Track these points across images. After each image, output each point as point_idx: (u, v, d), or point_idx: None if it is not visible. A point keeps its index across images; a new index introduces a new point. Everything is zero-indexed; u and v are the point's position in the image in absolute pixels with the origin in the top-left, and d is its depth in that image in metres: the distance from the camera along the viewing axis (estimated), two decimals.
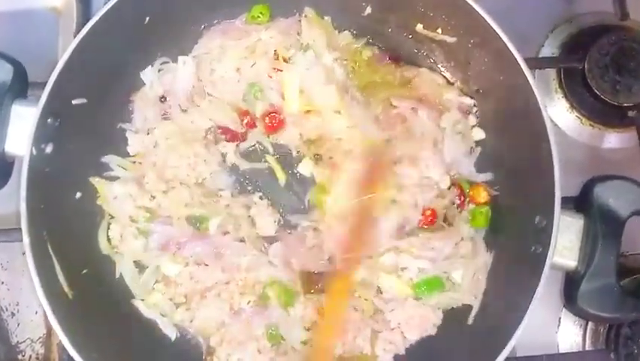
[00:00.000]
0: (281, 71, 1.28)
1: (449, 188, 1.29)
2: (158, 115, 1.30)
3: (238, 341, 1.23)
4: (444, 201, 1.28)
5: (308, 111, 1.28)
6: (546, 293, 1.31)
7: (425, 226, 1.27)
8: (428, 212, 1.26)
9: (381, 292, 1.25)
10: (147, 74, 1.31)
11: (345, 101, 1.26)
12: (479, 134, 1.32)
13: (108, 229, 1.26)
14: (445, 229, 1.26)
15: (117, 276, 1.24)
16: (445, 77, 1.36)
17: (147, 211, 1.25)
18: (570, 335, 1.39)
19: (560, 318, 1.40)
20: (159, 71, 1.32)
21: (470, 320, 1.22)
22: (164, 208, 1.26)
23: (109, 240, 1.26)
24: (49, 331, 1.37)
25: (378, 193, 1.20)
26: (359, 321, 1.22)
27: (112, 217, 1.26)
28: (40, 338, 1.38)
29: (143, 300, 1.25)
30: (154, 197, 1.25)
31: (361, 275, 1.22)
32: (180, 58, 1.32)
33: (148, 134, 1.29)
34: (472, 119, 1.33)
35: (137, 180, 1.26)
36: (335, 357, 1.19)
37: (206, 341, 1.26)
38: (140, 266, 1.26)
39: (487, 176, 1.30)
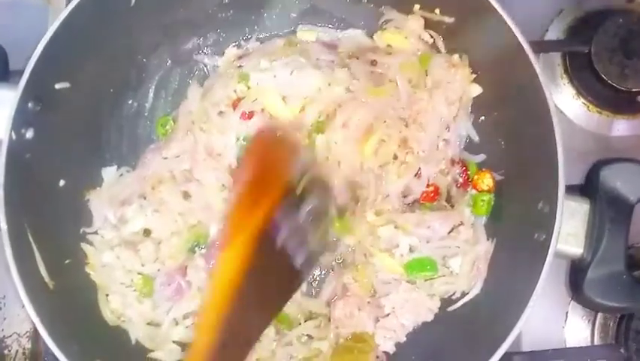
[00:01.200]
0: None
1: (453, 164, 1.25)
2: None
3: None
4: (447, 179, 1.25)
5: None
6: (552, 287, 1.30)
7: (426, 203, 1.25)
8: (431, 188, 1.24)
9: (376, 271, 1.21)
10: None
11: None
12: (476, 89, 1.27)
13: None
14: (446, 209, 1.23)
15: (133, 342, 1.20)
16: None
17: (139, 273, 1.21)
18: (578, 329, 1.34)
19: (567, 313, 1.35)
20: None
21: (470, 309, 1.18)
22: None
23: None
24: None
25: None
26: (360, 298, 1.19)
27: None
28: (27, 332, 1.35)
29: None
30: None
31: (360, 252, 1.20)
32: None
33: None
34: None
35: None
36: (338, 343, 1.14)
37: None
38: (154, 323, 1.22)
39: (481, 157, 1.27)
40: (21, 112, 1.08)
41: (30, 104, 1.10)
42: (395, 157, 1.22)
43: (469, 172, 1.25)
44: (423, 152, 1.22)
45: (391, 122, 1.21)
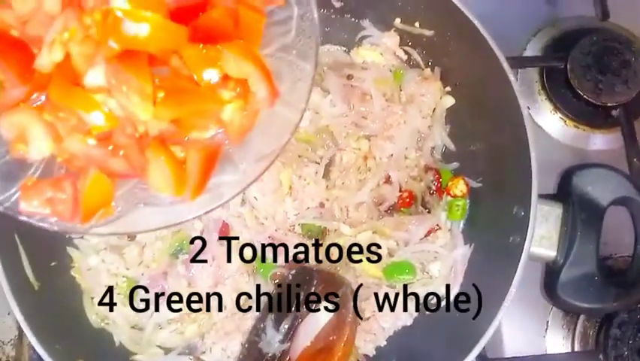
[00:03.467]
0: None
1: (426, 172, 1.29)
2: None
3: (225, 331, 1.21)
4: (421, 185, 1.29)
5: None
6: (533, 296, 1.33)
7: (403, 209, 1.27)
8: (405, 194, 1.27)
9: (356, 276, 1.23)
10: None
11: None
12: (449, 101, 1.32)
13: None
14: (423, 213, 1.26)
15: (117, 344, 1.21)
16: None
17: (124, 276, 1.22)
18: (558, 337, 1.36)
19: (547, 321, 1.37)
20: None
21: (447, 310, 1.20)
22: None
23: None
24: (21, 333, 1.34)
25: None
26: None
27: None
28: (11, 340, 1.35)
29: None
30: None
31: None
32: None
33: None
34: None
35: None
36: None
37: None
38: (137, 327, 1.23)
39: (454, 165, 1.31)
40: None
41: None
42: (358, 168, 1.27)
43: (441, 179, 1.29)
44: (386, 158, 1.27)
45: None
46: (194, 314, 1.22)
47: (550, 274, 1.13)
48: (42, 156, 0.78)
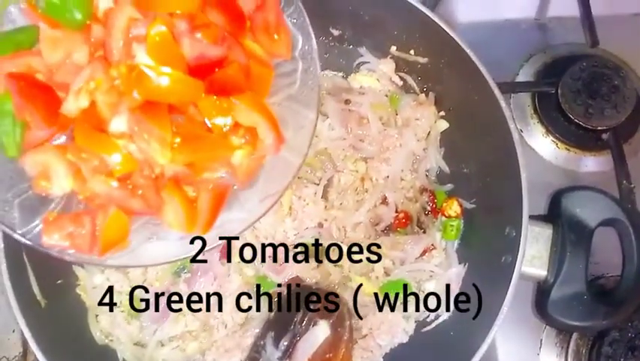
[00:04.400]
0: None
1: (421, 193, 1.33)
2: None
3: (226, 348, 1.24)
4: (416, 206, 1.33)
5: None
6: (526, 315, 1.35)
7: (399, 229, 1.31)
8: (401, 214, 1.31)
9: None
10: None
11: None
12: (443, 125, 1.37)
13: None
14: (419, 233, 1.30)
15: None
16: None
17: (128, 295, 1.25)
18: (552, 355, 1.38)
19: (541, 340, 1.39)
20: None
21: (442, 330, 1.23)
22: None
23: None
24: (25, 350, 1.37)
25: None
26: None
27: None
28: (15, 356, 1.38)
29: None
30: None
31: (339, 275, 1.25)
32: None
33: None
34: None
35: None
36: None
37: None
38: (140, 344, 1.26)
39: (448, 187, 1.35)
40: None
41: None
42: (355, 189, 1.31)
43: (436, 200, 1.34)
44: (383, 180, 1.31)
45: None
46: (195, 332, 1.25)
47: (541, 293, 1.16)
48: (63, 192, 0.84)
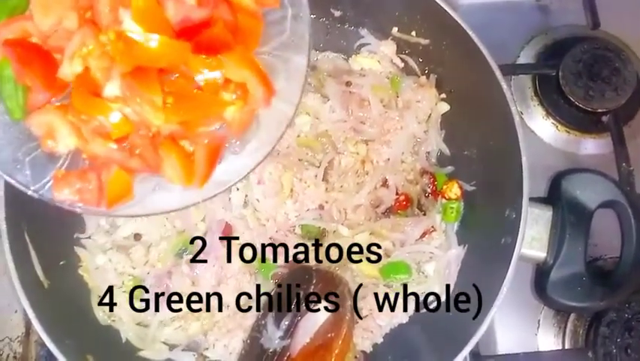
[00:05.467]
0: None
1: (422, 175, 1.34)
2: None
3: (227, 328, 1.25)
4: (416, 188, 1.33)
5: None
6: (525, 296, 1.37)
7: (399, 211, 1.32)
8: (402, 197, 1.31)
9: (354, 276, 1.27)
10: None
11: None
12: (444, 107, 1.37)
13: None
14: (419, 215, 1.31)
15: (124, 341, 1.25)
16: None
17: (130, 275, 1.27)
18: (549, 336, 1.40)
19: (539, 320, 1.41)
20: None
21: (442, 311, 1.24)
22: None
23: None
24: (28, 330, 1.38)
25: None
26: None
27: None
28: (18, 337, 1.39)
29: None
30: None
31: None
32: None
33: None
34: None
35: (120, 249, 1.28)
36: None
37: None
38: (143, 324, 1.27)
39: (449, 169, 1.36)
40: None
41: None
42: (356, 171, 1.31)
43: (436, 182, 1.34)
44: (383, 162, 1.31)
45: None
46: (196, 313, 1.26)
47: (541, 275, 1.17)
48: (68, 149, 0.87)
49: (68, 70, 0.82)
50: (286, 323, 1.15)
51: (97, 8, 0.82)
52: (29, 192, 0.88)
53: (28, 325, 1.38)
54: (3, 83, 0.84)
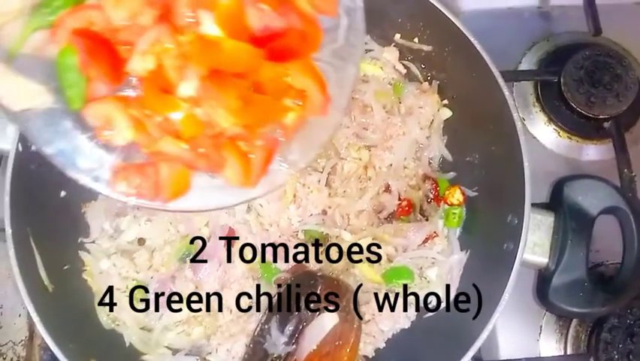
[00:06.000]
0: None
1: (424, 181, 1.34)
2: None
3: (231, 333, 1.26)
4: (419, 194, 1.34)
5: None
6: (527, 302, 1.37)
7: (402, 217, 1.32)
8: (404, 202, 1.32)
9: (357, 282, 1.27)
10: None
11: None
12: (446, 113, 1.38)
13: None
14: (421, 221, 1.31)
15: (127, 345, 1.25)
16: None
17: (134, 280, 1.27)
18: (551, 341, 1.40)
19: (541, 326, 1.41)
20: None
21: (444, 316, 1.25)
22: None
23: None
24: (32, 334, 1.39)
25: None
26: None
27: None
28: (22, 340, 1.39)
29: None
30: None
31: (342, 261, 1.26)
32: None
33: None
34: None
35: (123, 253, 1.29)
36: None
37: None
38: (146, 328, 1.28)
39: (451, 175, 1.36)
40: None
41: None
42: (359, 176, 1.32)
43: (438, 188, 1.35)
44: (386, 168, 1.32)
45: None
46: (200, 317, 1.27)
47: (543, 280, 1.17)
48: (125, 142, 0.86)
49: (139, 65, 0.82)
50: (290, 328, 1.15)
51: (175, 8, 0.83)
52: (83, 181, 0.88)
53: (31, 329, 1.38)
54: (65, 71, 0.83)
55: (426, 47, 1.36)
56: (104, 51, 0.83)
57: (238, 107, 0.83)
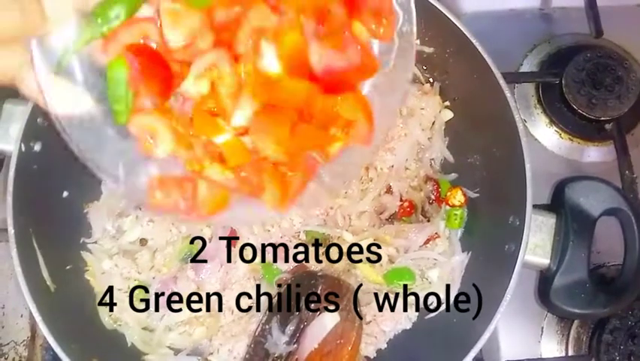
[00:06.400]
0: None
1: (425, 182, 1.35)
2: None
3: (232, 333, 1.26)
4: (420, 195, 1.35)
5: None
6: (528, 303, 1.37)
7: (403, 218, 1.33)
8: (406, 203, 1.33)
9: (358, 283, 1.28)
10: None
11: None
12: (448, 114, 1.38)
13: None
14: (423, 222, 1.32)
15: (129, 345, 1.25)
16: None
17: (136, 280, 1.28)
18: (553, 342, 1.40)
19: (542, 327, 1.41)
20: None
21: (445, 317, 1.25)
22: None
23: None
24: (34, 334, 1.39)
25: None
26: None
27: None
28: (24, 340, 1.39)
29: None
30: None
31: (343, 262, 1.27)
32: None
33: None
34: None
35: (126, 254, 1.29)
36: None
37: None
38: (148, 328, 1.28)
39: (452, 176, 1.36)
40: (31, 126, 1.18)
41: (39, 120, 1.19)
42: (360, 178, 1.32)
43: (440, 189, 1.35)
44: (387, 169, 1.32)
45: None
46: (201, 317, 1.27)
47: (544, 281, 1.17)
48: (166, 154, 0.84)
49: (193, 88, 0.81)
50: (291, 328, 1.16)
51: (238, 36, 0.80)
52: (120, 191, 0.85)
53: (33, 329, 1.39)
54: (114, 85, 0.80)
55: (427, 49, 1.36)
56: (156, 68, 0.81)
57: (286, 137, 0.81)
